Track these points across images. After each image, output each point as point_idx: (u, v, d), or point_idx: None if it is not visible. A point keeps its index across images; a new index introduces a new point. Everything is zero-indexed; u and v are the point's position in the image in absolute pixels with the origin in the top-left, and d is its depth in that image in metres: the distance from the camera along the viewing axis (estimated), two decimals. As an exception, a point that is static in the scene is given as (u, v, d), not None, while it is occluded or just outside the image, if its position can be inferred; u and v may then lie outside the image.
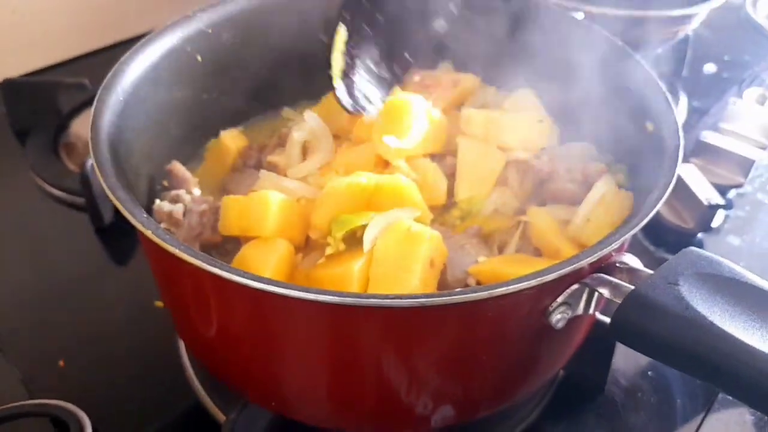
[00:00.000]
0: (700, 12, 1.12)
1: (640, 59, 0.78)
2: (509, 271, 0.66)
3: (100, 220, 1.00)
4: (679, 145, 0.64)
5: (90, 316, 0.90)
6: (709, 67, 1.42)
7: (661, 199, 0.58)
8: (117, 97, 0.68)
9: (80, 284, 0.94)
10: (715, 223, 1.07)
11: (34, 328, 0.89)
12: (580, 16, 0.95)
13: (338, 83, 0.79)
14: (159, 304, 0.89)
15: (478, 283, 0.68)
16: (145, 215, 0.54)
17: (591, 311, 0.60)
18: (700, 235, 1.05)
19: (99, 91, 0.66)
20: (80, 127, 1.20)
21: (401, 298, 0.47)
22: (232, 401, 0.73)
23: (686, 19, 1.11)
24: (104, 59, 1.38)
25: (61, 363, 0.83)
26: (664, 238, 1.04)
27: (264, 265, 0.66)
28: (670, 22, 1.09)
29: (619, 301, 0.53)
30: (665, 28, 1.09)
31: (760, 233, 1.07)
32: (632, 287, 0.53)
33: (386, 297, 0.47)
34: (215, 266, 0.49)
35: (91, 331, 0.88)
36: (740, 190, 1.14)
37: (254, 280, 0.49)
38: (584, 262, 0.52)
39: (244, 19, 0.86)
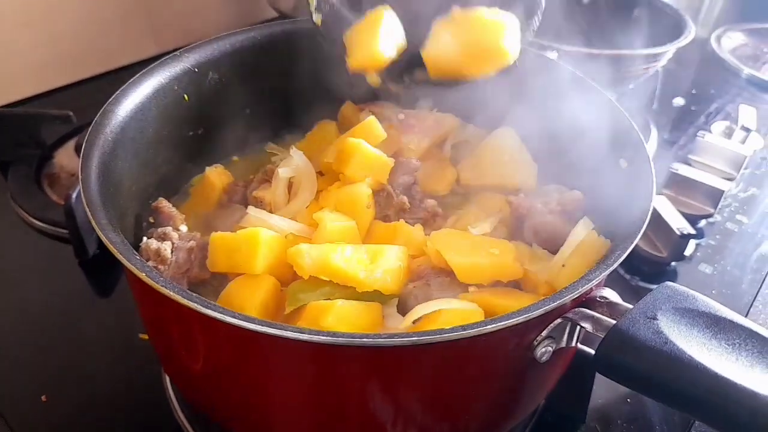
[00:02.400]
0: (670, 50, 1.17)
1: (612, 98, 0.81)
2: (498, 302, 0.69)
3: (85, 253, 0.99)
4: (652, 184, 0.67)
5: (73, 350, 0.89)
6: (678, 101, 1.48)
7: (636, 236, 0.60)
8: (105, 138, 0.69)
9: (63, 317, 0.94)
10: (687, 252, 1.10)
11: (16, 362, 0.88)
12: (553, 55, 0.99)
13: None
14: (143, 336, 0.88)
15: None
16: (138, 258, 0.55)
17: (573, 343, 0.62)
18: (673, 263, 1.08)
19: (87, 133, 0.67)
20: (64, 158, 1.20)
21: (392, 337, 0.49)
22: (218, 436, 0.73)
23: (656, 57, 1.16)
24: (88, 90, 1.40)
25: (44, 398, 0.82)
26: (639, 267, 1.07)
27: (250, 302, 0.68)
28: (641, 60, 1.14)
29: (601, 335, 0.55)
30: (637, 66, 1.14)
31: (730, 261, 1.11)
32: (613, 322, 0.55)
33: (377, 336, 0.48)
34: (209, 308, 0.50)
35: (74, 365, 0.87)
36: (710, 220, 1.18)
37: (242, 319, 0.49)
38: (567, 298, 0.54)
39: (230, 58, 0.88)
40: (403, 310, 0.69)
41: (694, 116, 1.44)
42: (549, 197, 0.78)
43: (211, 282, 0.75)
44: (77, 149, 1.21)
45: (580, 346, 0.74)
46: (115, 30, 1.42)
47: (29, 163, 1.17)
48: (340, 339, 0.47)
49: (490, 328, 0.50)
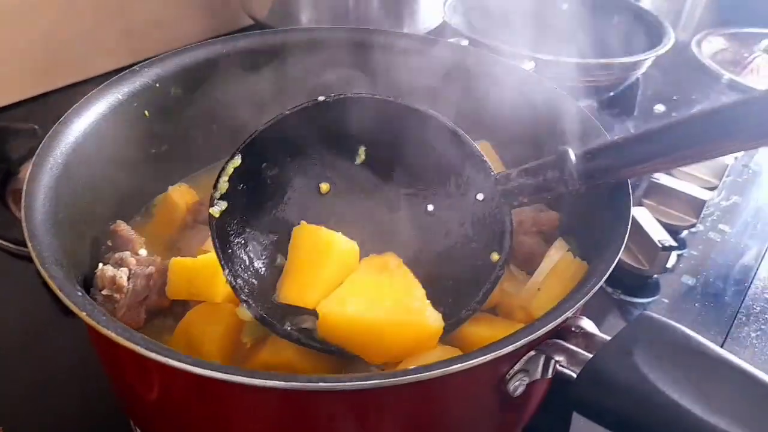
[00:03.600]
0: (649, 57, 1.15)
1: (585, 109, 0.78)
2: (471, 330, 0.66)
3: (49, 274, 0.95)
4: (629, 204, 0.64)
5: (34, 377, 0.84)
6: (659, 108, 1.46)
7: (612, 263, 0.57)
8: (55, 161, 0.65)
9: (25, 340, 0.89)
10: (669, 264, 1.08)
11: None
12: (530, 65, 0.96)
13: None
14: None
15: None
16: (80, 295, 0.51)
17: (549, 375, 0.59)
18: (655, 276, 1.06)
19: (34, 157, 0.63)
20: (29, 173, 1.16)
21: (351, 381, 0.45)
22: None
23: (636, 65, 1.14)
24: (58, 101, 1.35)
25: (0, 430, 0.78)
26: (621, 280, 1.05)
27: (209, 332, 0.64)
28: (620, 68, 1.11)
29: (575, 371, 0.52)
30: (616, 74, 1.12)
31: (713, 272, 1.09)
32: (588, 356, 0.52)
33: (335, 380, 0.45)
34: (151, 350, 0.46)
35: (35, 392, 0.82)
36: (692, 230, 1.16)
37: (187, 363, 0.45)
38: (540, 333, 0.51)
39: (193, 71, 0.84)
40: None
41: (676, 123, 1.42)
42: (524, 217, 0.76)
43: (172, 309, 0.72)
44: (42, 164, 1.17)
45: (559, 368, 0.71)
46: (88, 38, 1.37)
47: (-7, 179, 1.13)
48: (295, 384, 0.44)
49: (455, 368, 0.47)
